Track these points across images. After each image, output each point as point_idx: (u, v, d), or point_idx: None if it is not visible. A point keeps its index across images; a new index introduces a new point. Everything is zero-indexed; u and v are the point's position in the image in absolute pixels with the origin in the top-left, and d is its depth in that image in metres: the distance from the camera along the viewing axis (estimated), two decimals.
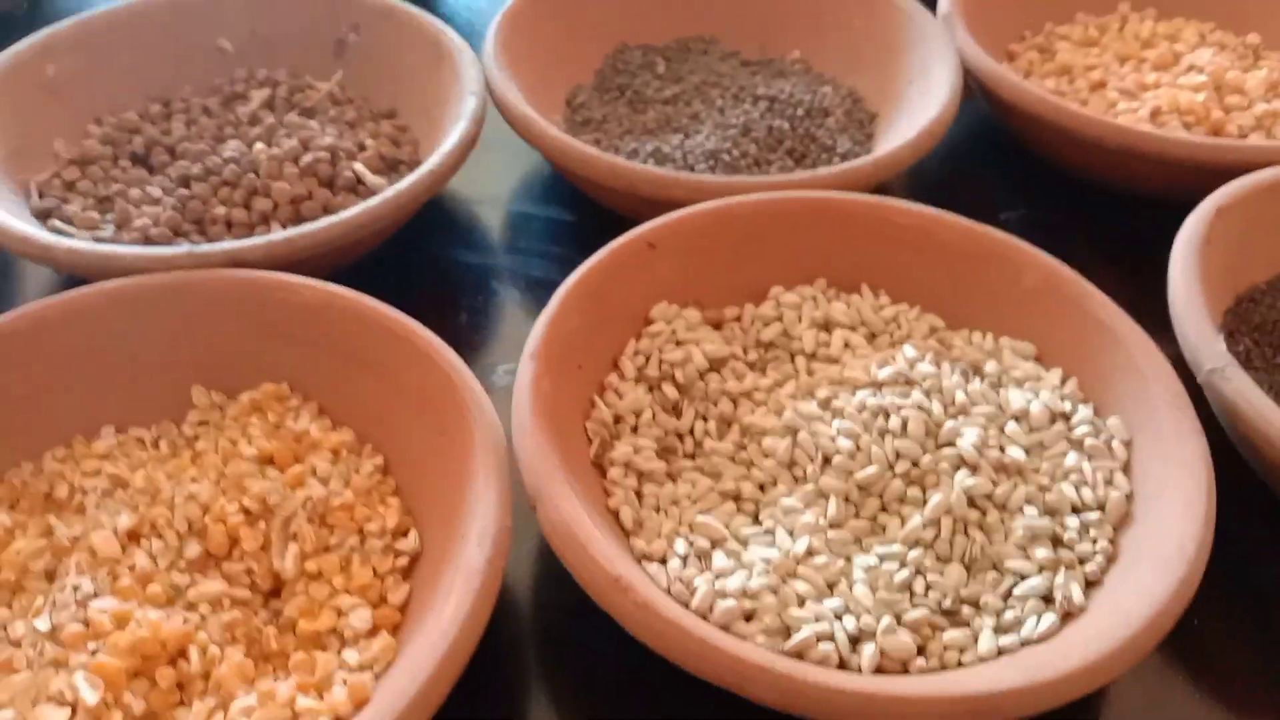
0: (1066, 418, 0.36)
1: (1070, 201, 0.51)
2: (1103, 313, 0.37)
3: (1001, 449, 0.35)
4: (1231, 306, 0.42)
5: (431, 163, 0.42)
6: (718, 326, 0.41)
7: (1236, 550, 0.36)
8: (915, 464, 0.34)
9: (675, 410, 0.37)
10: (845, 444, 0.34)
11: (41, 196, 0.46)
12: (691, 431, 0.37)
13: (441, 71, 0.49)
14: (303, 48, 0.53)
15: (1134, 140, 0.46)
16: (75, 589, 0.31)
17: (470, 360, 0.35)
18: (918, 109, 0.48)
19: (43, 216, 0.45)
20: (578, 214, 0.50)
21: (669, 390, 0.37)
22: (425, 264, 0.48)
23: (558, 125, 0.51)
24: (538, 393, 0.34)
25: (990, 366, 0.38)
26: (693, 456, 0.37)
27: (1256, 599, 0.36)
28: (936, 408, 0.35)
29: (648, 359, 0.38)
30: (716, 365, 0.38)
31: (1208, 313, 0.37)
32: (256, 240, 0.39)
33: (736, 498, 0.35)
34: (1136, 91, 0.52)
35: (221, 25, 0.53)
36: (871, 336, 0.40)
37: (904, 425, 0.35)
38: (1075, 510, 0.34)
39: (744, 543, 0.33)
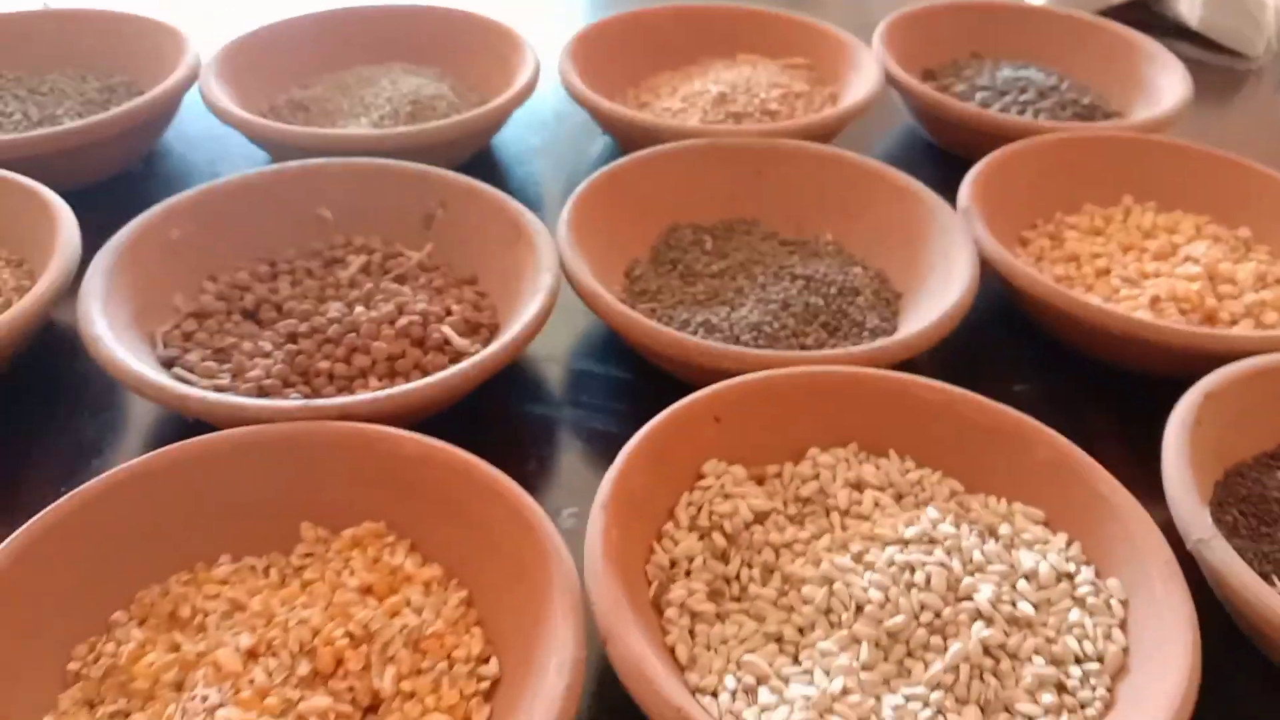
0: (1071, 578, 0.41)
1: (1079, 375, 0.57)
2: (1104, 487, 0.42)
3: (1013, 604, 0.39)
4: (1221, 480, 0.47)
5: (513, 331, 0.49)
6: (761, 482, 0.46)
7: (1224, 695, 0.41)
8: (938, 615, 0.39)
9: (724, 557, 0.42)
10: (876, 595, 0.39)
11: (165, 346, 0.52)
12: (738, 577, 0.42)
13: (519, 246, 0.55)
14: (395, 219, 0.60)
15: (1133, 328, 0.51)
16: (203, 699, 0.36)
17: (538, 503, 0.41)
18: (939, 293, 0.54)
19: (167, 364, 0.51)
20: (635, 373, 0.56)
21: (718, 539, 0.42)
22: (500, 415, 0.53)
23: (617, 295, 0.57)
24: (608, 541, 0.39)
25: (1004, 529, 0.43)
26: (739, 600, 0.41)
27: None
28: (956, 565, 0.40)
29: (700, 510, 0.44)
30: (761, 518, 0.44)
31: (1196, 487, 0.42)
32: (363, 397, 0.45)
33: (779, 639, 0.40)
34: (1138, 279, 0.58)
35: (323, 196, 0.60)
36: (899, 497, 0.45)
37: (928, 580, 0.40)
38: (1078, 660, 0.38)
39: (785, 681, 0.38)
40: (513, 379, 0.56)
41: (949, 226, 0.57)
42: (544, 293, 0.51)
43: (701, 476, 0.45)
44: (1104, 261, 0.60)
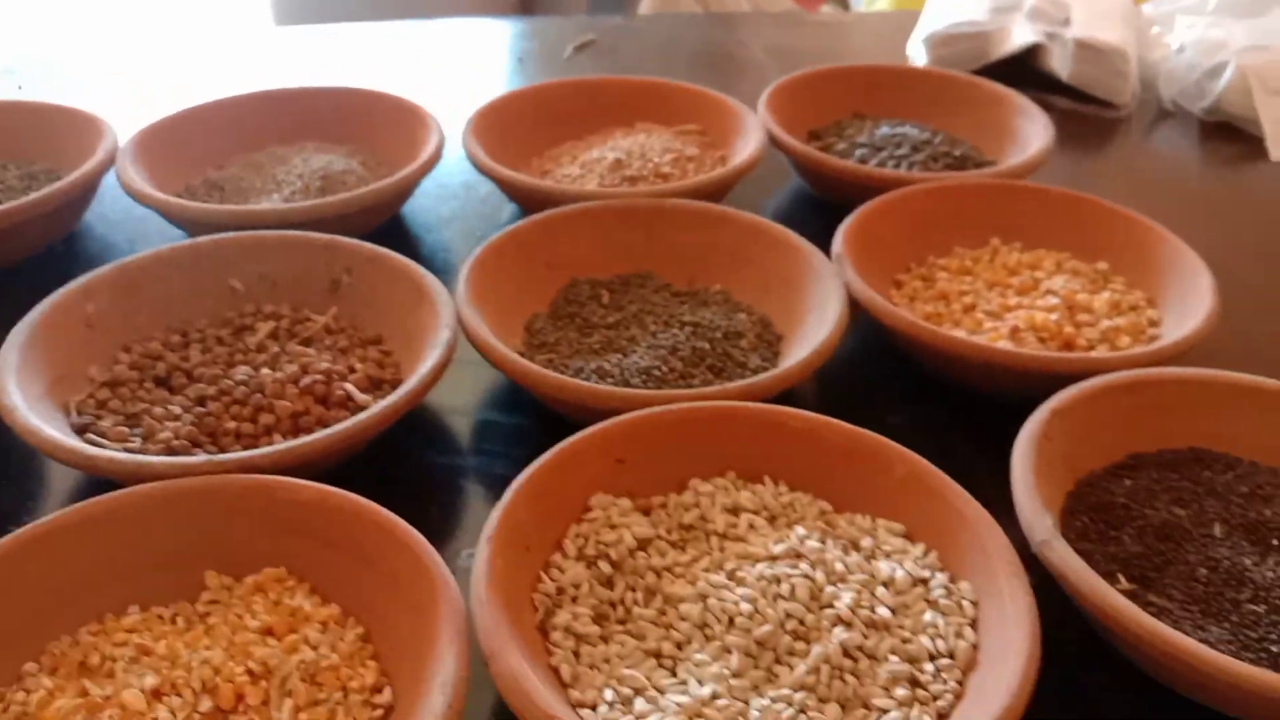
0: (926, 582, 0.44)
1: (949, 405, 0.61)
2: (957, 501, 0.46)
3: (872, 609, 0.43)
4: (1073, 490, 0.50)
5: (410, 384, 0.52)
6: (647, 512, 0.49)
7: (1078, 687, 0.44)
8: (802, 622, 0.42)
9: (609, 583, 0.45)
10: (746, 607, 0.42)
11: (79, 414, 0.54)
12: (623, 601, 0.45)
13: (422, 308, 0.59)
14: (303, 287, 0.63)
15: (991, 356, 0.56)
16: None
17: (440, 546, 0.43)
18: (815, 333, 0.58)
19: (80, 431, 0.53)
20: (535, 419, 0.59)
21: (604, 566, 0.45)
22: (407, 466, 0.56)
23: (516, 347, 0.61)
24: (493, 569, 0.42)
25: (866, 542, 0.46)
26: (624, 622, 0.44)
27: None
28: (820, 576, 0.43)
29: (587, 540, 0.46)
30: (644, 544, 0.47)
31: (1038, 494, 0.46)
32: (264, 450, 0.47)
33: (658, 655, 0.42)
34: (1000, 312, 0.63)
35: (234, 268, 0.63)
36: (772, 519, 0.48)
37: (793, 590, 0.43)
38: (931, 657, 0.41)
39: (661, 691, 0.41)
40: (420, 431, 0.59)
41: (824, 273, 0.62)
42: (441, 347, 0.54)
43: (589, 509, 0.48)
44: (971, 298, 0.64)
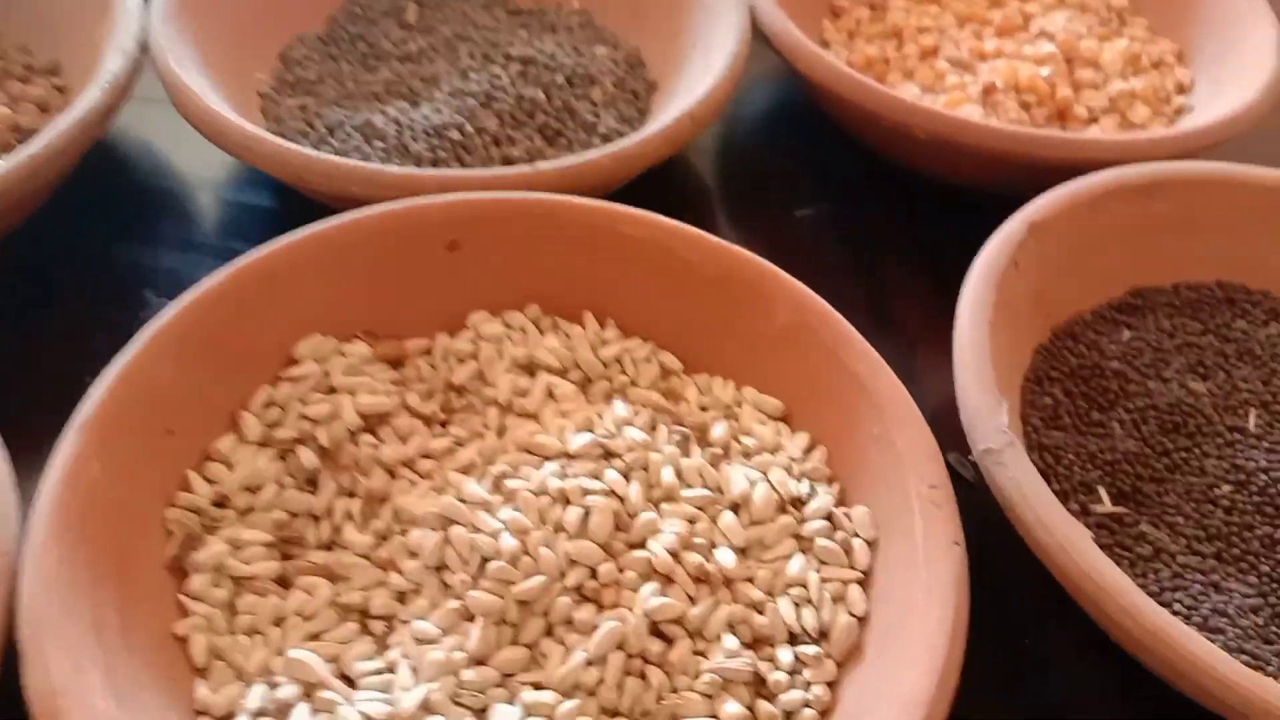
0: (800, 504, 0.28)
1: (886, 196, 0.43)
2: (862, 366, 0.29)
3: (707, 552, 0.27)
4: (1046, 343, 0.34)
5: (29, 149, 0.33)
6: (398, 364, 0.32)
7: (1015, 644, 0.29)
8: (594, 573, 0.26)
9: (311, 486, 0.29)
10: (509, 544, 0.26)
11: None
12: (330, 515, 0.28)
13: (104, 20, 0.39)
14: None
15: (942, 127, 0.37)
16: None
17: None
18: (696, 82, 0.39)
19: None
20: (290, 203, 0.41)
21: (306, 456, 0.29)
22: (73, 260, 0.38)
23: (264, 85, 0.41)
24: (75, 479, 0.25)
25: (719, 430, 0.30)
26: (330, 548, 0.28)
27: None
28: (635, 492, 0.27)
29: (284, 412, 0.30)
30: (376, 422, 0.30)
31: (992, 367, 0.29)
32: None
33: (364, 614, 0.27)
34: (971, 62, 0.44)
35: None
36: (586, 383, 0.31)
37: (586, 518, 0.27)
38: (791, 639, 0.26)
39: (353, 685, 0.25)
40: (110, 214, 0.40)
41: None
42: (100, 87, 0.35)
43: (294, 360, 0.31)
44: (932, 38, 0.45)
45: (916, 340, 0.37)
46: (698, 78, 0.39)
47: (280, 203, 0.41)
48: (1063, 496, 0.29)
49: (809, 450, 0.30)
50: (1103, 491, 0.30)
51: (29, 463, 0.26)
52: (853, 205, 0.43)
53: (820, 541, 0.27)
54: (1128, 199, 0.35)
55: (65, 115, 0.34)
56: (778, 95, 0.47)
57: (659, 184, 0.38)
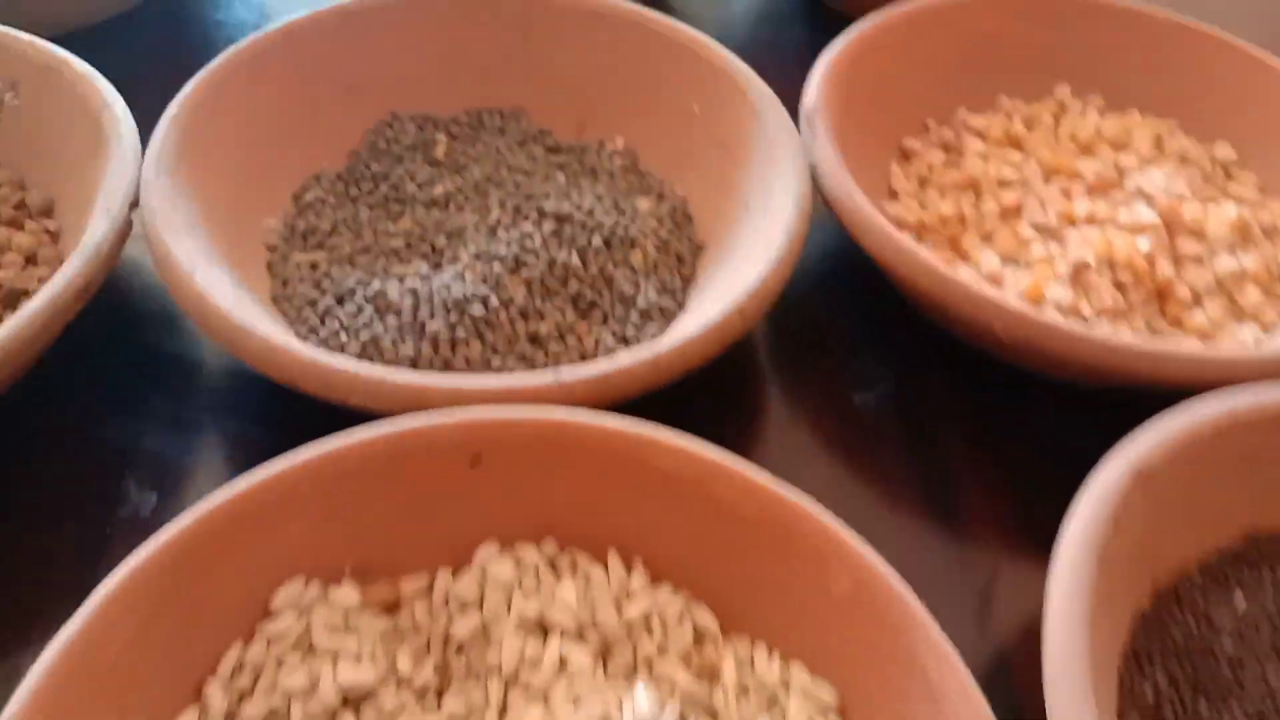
0: None
1: (957, 374, 0.38)
2: (930, 658, 0.24)
3: None
4: (1148, 609, 0.29)
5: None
6: (393, 610, 0.28)
7: None
8: None
9: None
10: None
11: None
12: None
13: (98, 160, 0.35)
14: None
15: (1027, 332, 0.32)
16: None
17: None
18: (747, 256, 0.35)
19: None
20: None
21: None
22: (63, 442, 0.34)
23: (273, 233, 0.38)
24: None
25: None
26: None
27: None
28: None
29: (254, 681, 0.26)
30: (357, 700, 0.26)
31: (1086, 658, 0.25)
32: None
33: None
34: (1060, 228, 0.39)
35: None
36: (605, 649, 0.27)
37: None
38: None
39: None
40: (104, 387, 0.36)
41: (778, 139, 0.37)
42: (82, 256, 0.31)
43: (270, 611, 0.27)
44: (1014, 195, 0.40)
45: (995, 551, 0.33)
46: (749, 251, 0.35)
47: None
48: None
49: None
50: None
51: None
52: (919, 386, 0.38)
53: None
54: (1254, 430, 0.30)
55: (28, 306, 0.30)
56: (836, 248, 0.42)
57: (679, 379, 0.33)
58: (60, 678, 0.23)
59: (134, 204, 0.34)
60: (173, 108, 0.36)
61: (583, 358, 0.34)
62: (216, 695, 0.25)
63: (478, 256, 0.36)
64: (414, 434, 0.28)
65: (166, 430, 0.34)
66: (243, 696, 0.25)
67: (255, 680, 0.26)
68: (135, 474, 0.33)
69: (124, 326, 0.37)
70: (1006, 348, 0.34)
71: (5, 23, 0.44)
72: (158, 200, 0.33)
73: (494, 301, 0.34)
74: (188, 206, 0.34)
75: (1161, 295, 0.38)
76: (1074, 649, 0.25)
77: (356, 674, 0.25)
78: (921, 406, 0.37)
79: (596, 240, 0.37)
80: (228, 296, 0.31)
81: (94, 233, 0.32)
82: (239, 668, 0.26)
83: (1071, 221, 0.39)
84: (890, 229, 0.34)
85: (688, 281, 0.37)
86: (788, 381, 0.37)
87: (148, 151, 0.34)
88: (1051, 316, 0.33)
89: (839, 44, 0.41)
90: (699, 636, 0.27)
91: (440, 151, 0.41)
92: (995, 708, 0.23)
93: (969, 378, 0.38)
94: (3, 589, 0.30)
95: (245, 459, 0.33)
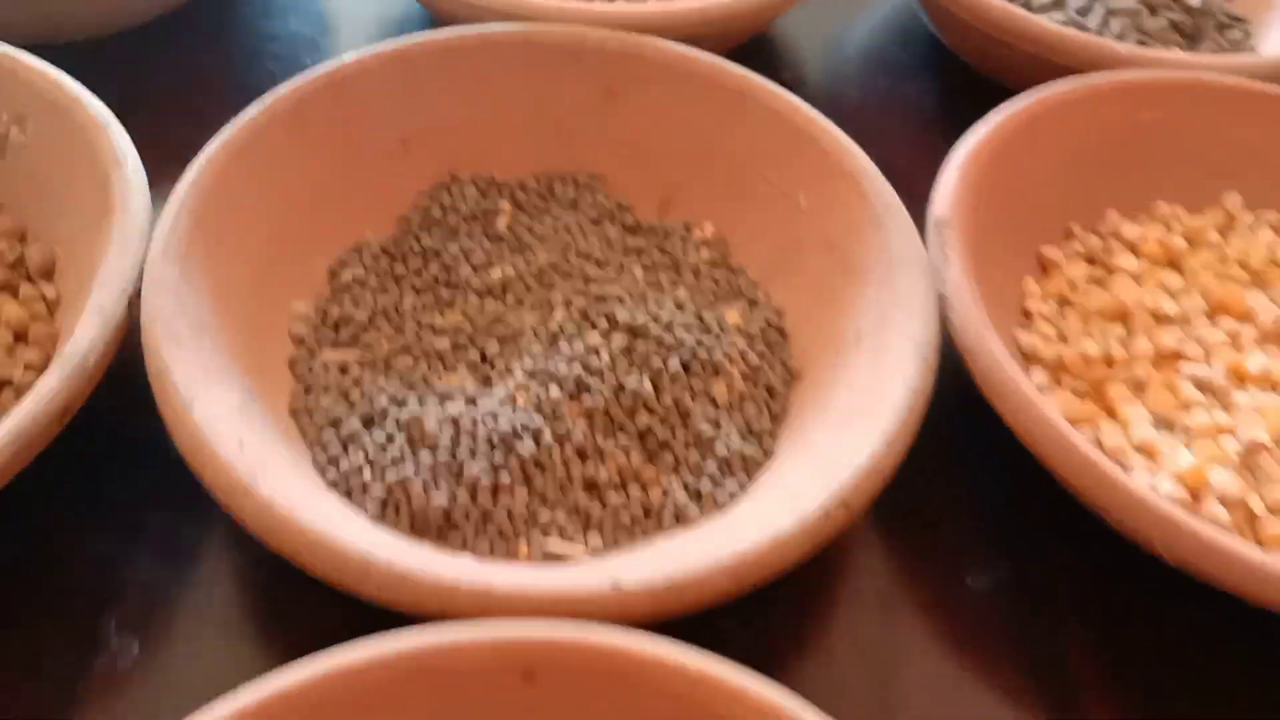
0: None
1: (1089, 556, 0.32)
2: None
3: None
4: None
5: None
6: None
7: None
8: None
9: None
10: None
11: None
12: None
13: (104, 225, 0.30)
14: None
15: (1195, 558, 0.26)
16: None
17: None
18: (858, 403, 0.29)
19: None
20: None
21: None
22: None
23: (301, 321, 0.33)
24: None
25: None
26: None
27: None
28: None
29: None
30: None
31: None
32: None
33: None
34: (1227, 388, 0.32)
35: None
36: None
37: None
38: None
39: None
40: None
41: (902, 254, 0.31)
42: (64, 368, 0.26)
43: None
44: (1173, 336, 0.34)
45: None
46: (858, 402, 0.29)
47: None
48: None
49: None
50: None
51: None
52: (1042, 564, 0.32)
53: None
54: None
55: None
56: (954, 393, 0.35)
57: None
58: None
59: (137, 292, 0.29)
60: (191, 172, 0.31)
61: (645, 513, 0.29)
62: None
63: (533, 375, 0.31)
64: (449, 649, 0.23)
65: (158, 557, 0.30)
66: None
67: None
68: (117, 614, 0.28)
69: (117, 419, 0.32)
70: (1166, 560, 0.28)
71: (48, 20, 0.39)
72: (161, 298, 0.28)
73: (547, 437, 0.29)
74: (197, 301, 0.29)
75: None
76: None
77: None
78: (1045, 587, 0.31)
79: (674, 363, 0.31)
80: (230, 441, 0.26)
81: (80, 340, 0.27)
82: None
83: (1241, 380, 0.33)
84: (1039, 405, 0.28)
85: (778, 421, 0.31)
86: (892, 562, 0.32)
87: (156, 229, 0.29)
88: (1237, 548, 0.27)
89: (978, 135, 0.35)
90: None
91: (503, 224, 0.36)
92: None
93: (1102, 560, 0.32)
94: None
95: (250, 602, 0.29)
